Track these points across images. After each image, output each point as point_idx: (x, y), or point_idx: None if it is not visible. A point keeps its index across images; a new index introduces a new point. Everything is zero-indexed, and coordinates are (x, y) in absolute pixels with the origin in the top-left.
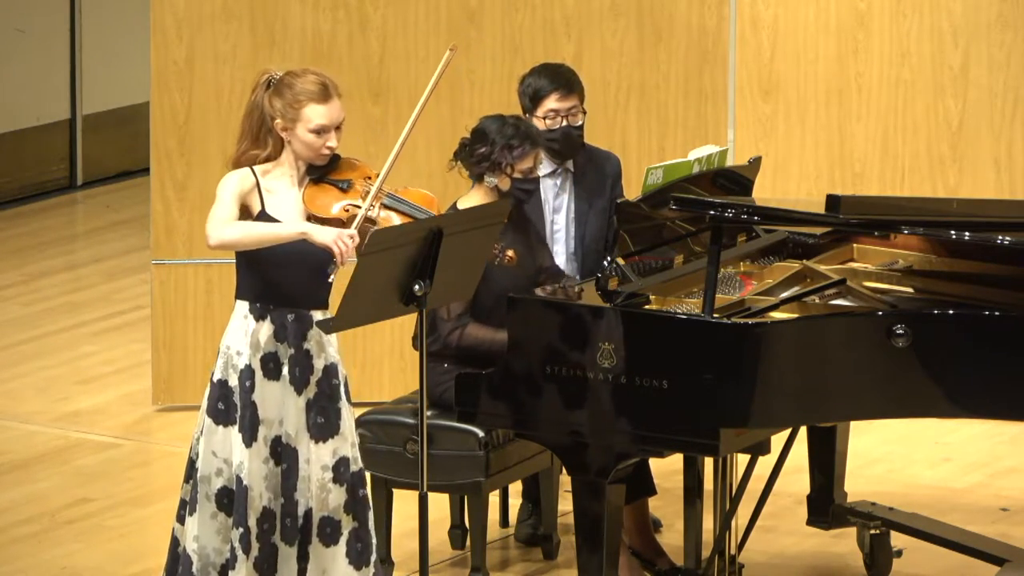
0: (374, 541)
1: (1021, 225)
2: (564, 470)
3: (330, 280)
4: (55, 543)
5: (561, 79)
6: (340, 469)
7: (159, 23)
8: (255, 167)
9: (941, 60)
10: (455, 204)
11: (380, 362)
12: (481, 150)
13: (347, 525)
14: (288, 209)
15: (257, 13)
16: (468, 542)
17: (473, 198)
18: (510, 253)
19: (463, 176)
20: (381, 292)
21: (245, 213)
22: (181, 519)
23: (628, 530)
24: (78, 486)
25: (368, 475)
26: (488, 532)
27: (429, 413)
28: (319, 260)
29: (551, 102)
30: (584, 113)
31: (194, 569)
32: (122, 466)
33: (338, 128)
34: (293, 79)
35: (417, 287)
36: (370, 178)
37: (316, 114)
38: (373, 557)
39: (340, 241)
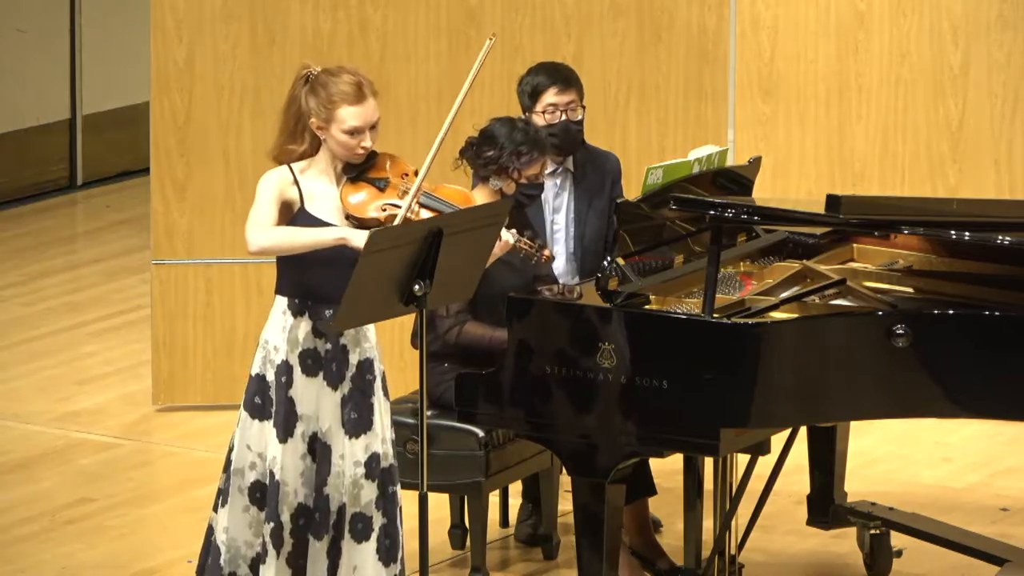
0: (402, 537)
1: (1021, 225)
2: (564, 470)
3: None
4: (55, 543)
5: (559, 74)
6: (372, 465)
7: (159, 23)
8: (292, 165)
9: (941, 60)
10: None
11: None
12: (489, 153)
13: (377, 521)
14: (327, 207)
15: (257, 13)
16: (468, 542)
17: (477, 198)
18: (547, 252)
19: (467, 174)
20: (381, 292)
21: (285, 210)
22: (216, 508)
23: (628, 530)
24: (78, 486)
25: None
26: (488, 532)
27: (429, 413)
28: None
29: (550, 96)
30: (583, 109)
31: (222, 560)
32: (122, 466)
33: (373, 127)
34: (328, 78)
35: (417, 287)
36: (407, 175)
37: (350, 115)
38: (400, 553)
39: None
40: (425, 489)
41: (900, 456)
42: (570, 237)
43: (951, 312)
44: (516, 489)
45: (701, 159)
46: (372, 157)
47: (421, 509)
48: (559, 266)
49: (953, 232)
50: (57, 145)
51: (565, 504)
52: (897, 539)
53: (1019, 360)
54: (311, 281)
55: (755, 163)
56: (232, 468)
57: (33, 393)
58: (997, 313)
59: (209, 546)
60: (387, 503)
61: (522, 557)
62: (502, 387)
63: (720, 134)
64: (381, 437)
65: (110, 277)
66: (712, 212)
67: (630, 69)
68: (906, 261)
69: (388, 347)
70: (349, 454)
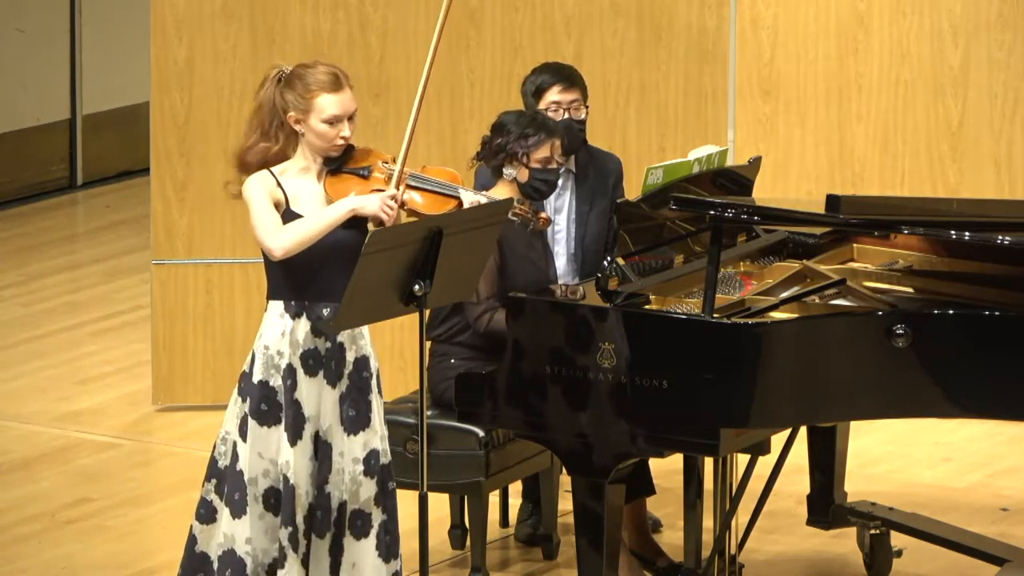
0: (400, 534)
1: (1021, 225)
2: (564, 470)
3: None
4: (55, 543)
5: (563, 73)
6: (371, 462)
7: (159, 23)
8: (272, 168)
9: (941, 60)
10: None
11: (380, 362)
12: (498, 141)
13: (377, 518)
14: (311, 204)
15: (257, 13)
16: (468, 542)
17: (494, 195)
18: (543, 215)
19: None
20: (381, 292)
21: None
22: (202, 519)
23: (626, 530)
24: (78, 486)
25: None
26: (488, 532)
27: (429, 413)
28: (354, 251)
29: (553, 94)
30: (587, 109)
31: (248, 571)
32: (122, 466)
33: (351, 118)
34: (304, 71)
35: (417, 287)
36: (387, 162)
37: (328, 103)
38: (400, 550)
39: (385, 207)
40: (425, 489)
41: (900, 456)
42: (571, 238)
43: (951, 312)
44: (516, 489)
45: (701, 159)
46: (349, 150)
47: (421, 509)
48: (560, 267)
49: (953, 232)
50: (57, 145)
51: (565, 504)
52: (897, 539)
53: (1019, 360)
54: (307, 280)
55: (755, 163)
56: (246, 477)
57: (33, 393)
58: (997, 313)
59: (195, 557)
60: (386, 499)
61: (522, 557)
62: (502, 387)
63: (720, 134)
64: (380, 434)
65: (110, 277)
66: (712, 212)
67: (630, 69)
68: (906, 261)
69: (388, 347)
70: (348, 451)
